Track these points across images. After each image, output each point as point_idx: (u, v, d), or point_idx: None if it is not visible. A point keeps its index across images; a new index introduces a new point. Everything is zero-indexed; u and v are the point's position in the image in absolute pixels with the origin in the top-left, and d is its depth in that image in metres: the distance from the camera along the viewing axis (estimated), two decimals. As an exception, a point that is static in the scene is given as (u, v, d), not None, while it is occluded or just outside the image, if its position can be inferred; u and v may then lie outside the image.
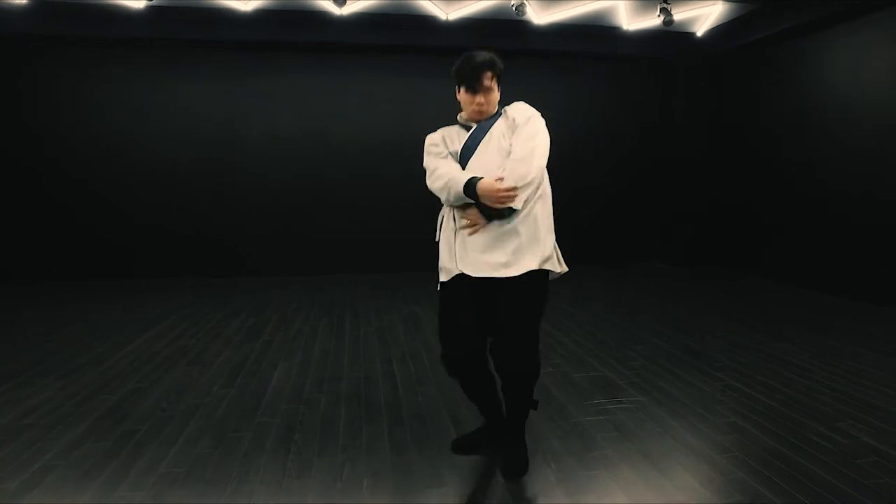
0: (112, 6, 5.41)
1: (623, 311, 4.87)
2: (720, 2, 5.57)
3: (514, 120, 2.14)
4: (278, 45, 6.09)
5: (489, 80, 2.13)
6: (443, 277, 2.17)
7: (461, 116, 2.27)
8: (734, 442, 2.45)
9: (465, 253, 2.09)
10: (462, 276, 2.08)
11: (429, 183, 2.19)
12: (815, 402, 2.86)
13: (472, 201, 2.04)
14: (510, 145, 2.10)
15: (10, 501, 2.05)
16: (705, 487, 2.09)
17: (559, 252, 2.20)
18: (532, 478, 2.18)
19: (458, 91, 2.19)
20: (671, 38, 6.40)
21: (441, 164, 2.17)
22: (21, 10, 5.33)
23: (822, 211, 5.59)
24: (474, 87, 2.12)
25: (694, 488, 2.09)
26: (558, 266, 2.15)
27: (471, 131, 2.20)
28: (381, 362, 3.59)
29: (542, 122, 2.14)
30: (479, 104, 2.15)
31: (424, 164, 2.25)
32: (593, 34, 6.27)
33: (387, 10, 5.64)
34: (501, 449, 2.29)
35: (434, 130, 2.31)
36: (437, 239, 2.29)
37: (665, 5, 5.20)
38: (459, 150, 2.18)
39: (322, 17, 5.72)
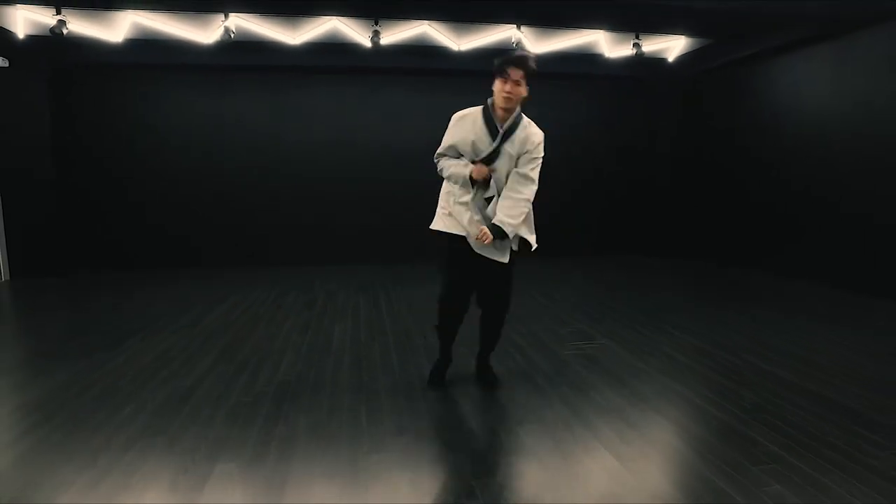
0: (186, 42, 6.54)
1: (601, 290, 5.98)
2: (683, 37, 6.72)
3: (528, 138, 2.83)
4: (317, 68, 7.26)
5: (517, 75, 2.70)
6: (456, 231, 2.89)
7: (491, 103, 2.84)
8: (663, 362, 3.57)
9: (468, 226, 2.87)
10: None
11: (442, 173, 2.97)
12: (723, 348, 3.98)
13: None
14: (517, 158, 2.85)
15: (176, 403, 3.17)
16: (643, 383, 3.21)
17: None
18: (530, 392, 3.30)
19: (494, 82, 2.80)
20: (647, 63, 7.53)
21: (452, 165, 2.91)
22: (113, 46, 6.48)
23: (773, 208, 6.73)
24: (505, 76, 2.72)
25: (634, 385, 3.21)
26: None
27: (496, 140, 2.81)
28: (414, 323, 4.70)
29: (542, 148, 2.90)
30: (508, 92, 2.71)
31: (443, 143, 2.94)
32: (579, 60, 7.39)
33: (409, 41, 6.76)
34: (482, 371, 3.30)
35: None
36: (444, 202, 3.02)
37: (637, 41, 6.34)
38: (485, 151, 2.82)
39: (354, 48, 6.83)
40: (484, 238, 2.80)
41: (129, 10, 5.69)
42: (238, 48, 6.65)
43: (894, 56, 5.29)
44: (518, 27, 6.07)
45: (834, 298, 5.46)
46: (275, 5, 5.33)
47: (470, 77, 7.69)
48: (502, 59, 2.78)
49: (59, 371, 3.54)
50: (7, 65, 6.55)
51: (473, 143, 2.87)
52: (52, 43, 6.20)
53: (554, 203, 7.46)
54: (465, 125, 2.89)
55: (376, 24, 5.90)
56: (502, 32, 6.46)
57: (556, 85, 7.90)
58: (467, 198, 2.91)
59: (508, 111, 2.83)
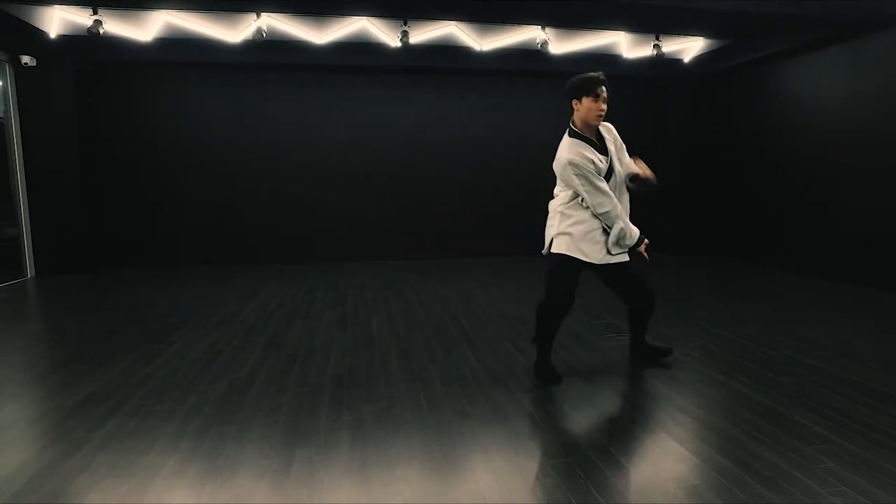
0: (215, 41, 6.64)
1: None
2: (701, 38, 6.86)
3: (616, 139, 3.16)
4: (343, 68, 7.38)
5: (606, 93, 3.00)
6: (578, 256, 3.08)
7: (577, 125, 3.05)
8: (699, 353, 3.71)
9: (600, 251, 3.10)
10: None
11: (599, 209, 2.99)
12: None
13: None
14: (617, 151, 3.15)
15: (237, 394, 3.29)
16: (684, 372, 3.35)
17: None
18: (578, 382, 3.44)
19: (580, 102, 2.99)
20: (664, 63, 7.67)
21: (609, 202, 3.01)
22: (143, 44, 6.57)
23: (783, 206, 6.89)
24: (596, 95, 2.95)
25: (675, 373, 3.35)
26: None
27: (609, 158, 3.08)
28: (447, 317, 4.83)
29: None
30: (602, 111, 2.98)
31: (587, 184, 2.97)
32: (599, 60, 7.53)
33: (435, 41, 6.88)
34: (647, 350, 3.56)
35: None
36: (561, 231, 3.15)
37: (657, 42, 6.48)
38: (605, 168, 3.05)
39: (380, 48, 6.95)
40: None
41: (164, 10, 5.78)
42: (266, 47, 6.76)
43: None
44: (542, 28, 6.20)
45: (846, 292, 5.61)
46: (307, 5, 5.43)
47: (489, 76, 7.87)
48: (588, 79, 2.98)
49: (115, 363, 3.66)
50: (35, 64, 6.64)
51: (597, 167, 3.02)
52: (82, 42, 6.29)
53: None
54: (585, 157, 3.00)
55: (405, 24, 6.02)
56: (525, 33, 6.59)
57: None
58: (597, 226, 3.10)
59: (597, 126, 3.09)
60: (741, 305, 5.12)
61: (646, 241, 3.18)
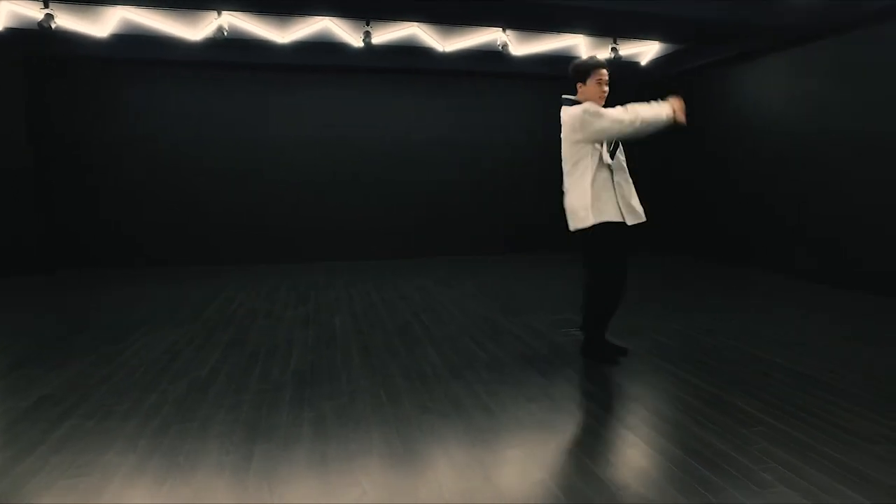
0: (175, 38, 6.53)
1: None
2: (657, 43, 7.09)
3: None
4: (306, 67, 7.35)
5: (607, 76, 3.25)
6: (605, 218, 3.20)
7: (588, 100, 3.24)
8: (652, 345, 3.87)
9: (626, 206, 3.28)
10: (620, 223, 3.25)
11: (627, 127, 3.10)
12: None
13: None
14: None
15: (198, 393, 3.29)
16: (637, 363, 3.49)
17: None
18: (536, 374, 3.55)
19: (584, 84, 3.24)
20: (622, 65, 7.87)
21: (626, 114, 3.14)
22: (98, 40, 6.42)
23: (740, 198, 7.19)
24: (601, 79, 3.22)
25: (628, 364, 3.49)
26: None
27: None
28: (410, 315, 4.89)
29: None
30: (604, 92, 3.25)
31: (604, 119, 3.11)
32: (560, 61, 7.66)
33: (398, 42, 6.92)
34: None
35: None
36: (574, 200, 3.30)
37: (614, 45, 6.67)
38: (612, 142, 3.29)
39: (342, 48, 6.94)
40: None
41: (119, 6, 5.66)
42: (228, 46, 6.68)
43: (844, 65, 5.75)
44: (503, 30, 6.31)
45: (791, 286, 5.90)
46: (267, 4, 5.41)
47: (452, 76, 7.95)
48: (590, 64, 3.24)
49: (71, 365, 3.60)
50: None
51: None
52: (33, 36, 6.11)
53: (543, 200, 7.76)
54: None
55: (368, 24, 6.04)
56: (487, 35, 6.70)
57: (539, 86, 8.21)
58: (609, 186, 3.26)
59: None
60: (700, 301, 5.33)
61: (676, 102, 3.20)
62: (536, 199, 8.07)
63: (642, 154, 8.28)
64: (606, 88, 3.27)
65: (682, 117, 3.19)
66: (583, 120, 3.18)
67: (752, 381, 3.21)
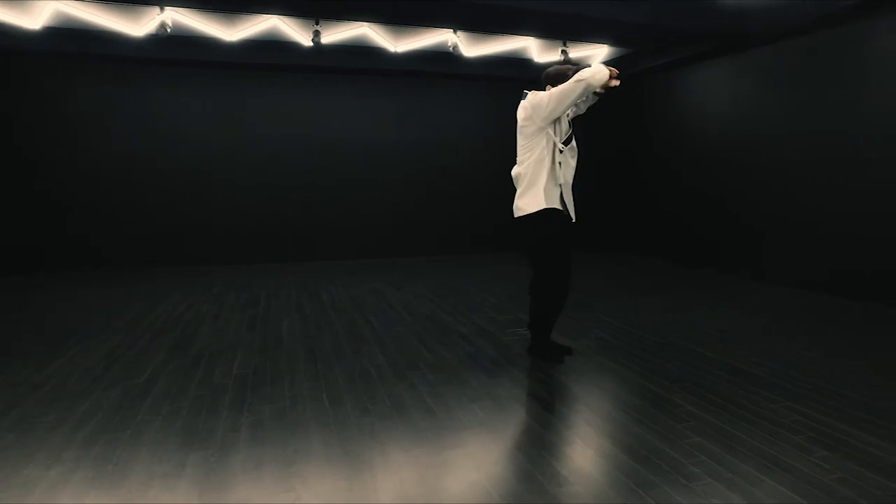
0: (116, 33, 6.31)
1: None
2: (606, 46, 7.25)
3: None
4: (255, 66, 7.21)
5: None
6: (552, 205, 3.31)
7: None
8: (597, 344, 3.95)
9: (569, 202, 3.42)
10: (566, 217, 3.38)
11: (578, 87, 3.12)
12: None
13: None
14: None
15: (134, 399, 3.19)
16: (581, 363, 3.55)
17: None
18: (481, 374, 3.57)
19: (550, 88, 3.35)
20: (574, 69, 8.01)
21: (580, 75, 3.14)
22: (29, 32, 6.14)
23: (686, 197, 7.40)
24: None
25: (573, 363, 3.55)
26: None
27: (571, 127, 3.46)
28: (358, 317, 4.86)
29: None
30: None
31: (561, 93, 3.16)
32: (512, 63, 7.78)
33: (348, 41, 6.86)
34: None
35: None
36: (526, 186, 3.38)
37: (564, 48, 6.78)
38: (568, 132, 3.41)
39: (292, 47, 6.85)
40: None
41: None
42: (174, 43, 6.50)
43: (780, 71, 6.00)
44: (454, 31, 6.33)
45: (735, 284, 6.12)
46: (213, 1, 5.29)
47: (404, 77, 7.94)
48: (562, 72, 3.37)
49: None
50: None
51: (562, 122, 3.40)
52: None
53: (495, 200, 7.81)
54: None
55: (317, 23, 5.97)
56: (438, 36, 6.71)
57: (490, 87, 8.28)
58: (558, 178, 3.36)
59: None
60: (643, 299, 5.46)
61: (611, 70, 3.20)
62: (488, 200, 8.13)
63: (591, 152, 8.50)
64: None
65: (615, 81, 3.22)
66: (550, 94, 3.27)
67: (690, 377, 3.31)
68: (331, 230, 8.00)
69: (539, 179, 3.35)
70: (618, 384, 3.24)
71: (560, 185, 3.39)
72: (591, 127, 8.60)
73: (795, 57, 5.84)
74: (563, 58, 6.86)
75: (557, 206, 3.38)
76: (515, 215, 3.48)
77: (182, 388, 3.20)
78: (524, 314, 4.79)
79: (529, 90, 3.48)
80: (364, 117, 7.97)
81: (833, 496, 2.07)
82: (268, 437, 2.58)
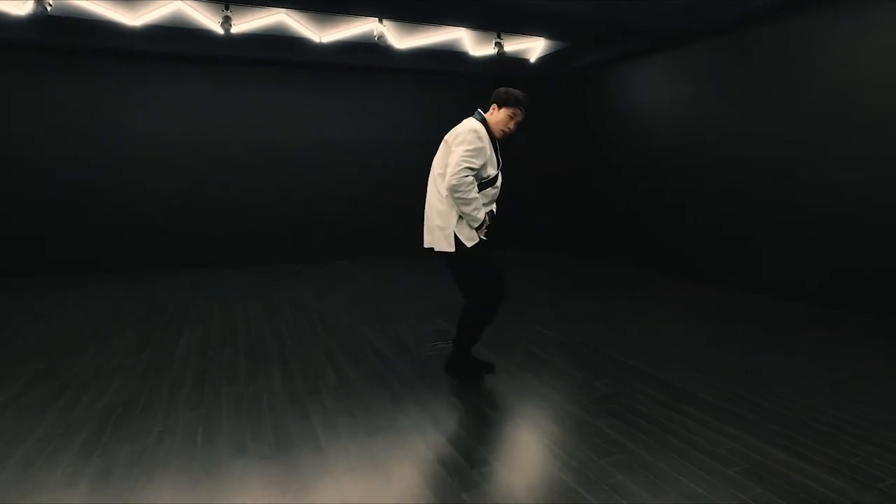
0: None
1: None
2: (542, 39, 6.97)
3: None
4: (160, 55, 6.58)
5: (521, 118, 3.12)
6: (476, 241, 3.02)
7: (482, 120, 3.10)
8: (523, 359, 3.61)
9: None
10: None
11: (469, 194, 2.91)
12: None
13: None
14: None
15: (-18, 428, 2.64)
16: (502, 382, 3.20)
17: None
18: (387, 398, 3.17)
19: (498, 109, 3.10)
20: (510, 62, 7.71)
21: (479, 204, 2.98)
22: None
23: (620, 204, 7.21)
24: (515, 113, 3.09)
25: (493, 383, 3.19)
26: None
27: (499, 167, 3.16)
28: (268, 329, 4.38)
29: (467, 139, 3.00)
30: (510, 129, 3.11)
31: (471, 161, 2.92)
32: (445, 57, 7.39)
33: (265, 30, 6.34)
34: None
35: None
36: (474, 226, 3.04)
37: (498, 41, 6.46)
38: (493, 158, 3.10)
39: (201, 34, 6.26)
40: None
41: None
42: (66, 27, 5.82)
43: (713, 68, 5.86)
44: (380, 20, 5.90)
45: (675, 288, 5.92)
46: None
47: (331, 70, 7.45)
48: (514, 97, 3.11)
49: None
50: None
51: (491, 158, 3.08)
52: None
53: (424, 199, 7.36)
54: (486, 143, 3.04)
55: (227, 9, 5.44)
56: (363, 26, 6.28)
57: (420, 81, 7.89)
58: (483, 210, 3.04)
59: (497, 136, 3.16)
60: (583, 305, 5.18)
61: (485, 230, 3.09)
62: (419, 199, 7.70)
63: (529, 153, 8.24)
64: (513, 126, 3.14)
65: (482, 230, 3.06)
66: (466, 134, 3.00)
67: (619, 397, 3.00)
68: (248, 235, 7.43)
69: (454, 216, 3.04)
70: (539, 409, 2.90)
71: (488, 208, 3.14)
72: (533, 124, 8.36)
73: (731, 53, 5.70)
74: (496, 50, 6.54)
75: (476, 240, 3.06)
76: (439, 248, 3.12)
77: (28, 427, 2.68)
78: (452, 325, 4.42)
79: (480, 110, 3.22)
80: (284, 112, 7.40)
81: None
82: (109, 491, 2.11)
